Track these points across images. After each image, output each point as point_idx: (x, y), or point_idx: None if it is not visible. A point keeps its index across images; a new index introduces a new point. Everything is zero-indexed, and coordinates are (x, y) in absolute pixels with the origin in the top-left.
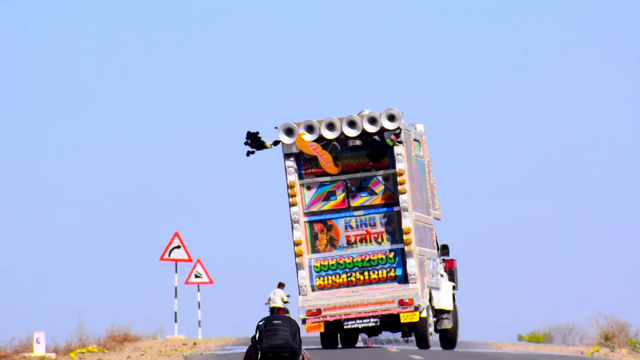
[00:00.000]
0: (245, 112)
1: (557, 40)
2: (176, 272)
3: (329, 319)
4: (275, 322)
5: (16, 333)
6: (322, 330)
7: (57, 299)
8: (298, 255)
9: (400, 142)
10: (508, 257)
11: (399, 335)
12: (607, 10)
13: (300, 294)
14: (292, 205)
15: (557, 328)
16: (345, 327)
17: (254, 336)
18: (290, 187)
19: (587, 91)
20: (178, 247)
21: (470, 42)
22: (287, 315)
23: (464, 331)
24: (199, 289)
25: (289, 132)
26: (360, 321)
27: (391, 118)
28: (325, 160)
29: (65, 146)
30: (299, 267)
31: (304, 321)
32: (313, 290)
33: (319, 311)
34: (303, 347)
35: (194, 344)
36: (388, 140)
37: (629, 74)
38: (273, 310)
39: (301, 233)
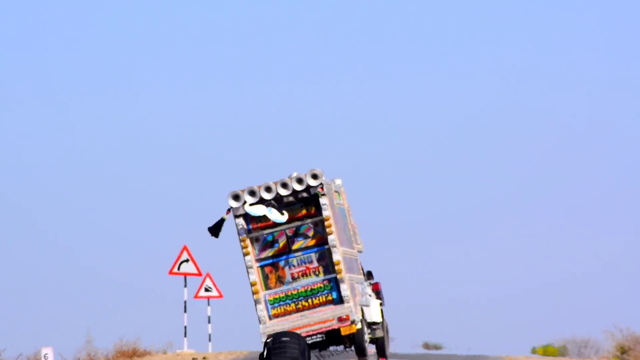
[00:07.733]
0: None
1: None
2: (185, 286)
3: None
4: (284, 339)
5: (24, 349)
6: None
7: (65, 313)
8: (255, 293)
9: (324, 195)
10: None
11: (341, 348)
12: (606, 10)
13: (260, 323)
14: (245, 255)
15: (572, 341)
16: None
17: (262, 353)
18: (242, 241)
19: (586, 92)
20: (187, 260)
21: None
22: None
23: (477, 345)
24: (208, 303)
25: (236, 197)
26: (310, 338)
27: (314, 177)
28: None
29: (80, 161)
30: (256, 302)
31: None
32: (270, 319)
33: None
34: None
35: (204, 358)
36: (317, 192)
37: (629, 74)
38: None
39: (255, 276)
